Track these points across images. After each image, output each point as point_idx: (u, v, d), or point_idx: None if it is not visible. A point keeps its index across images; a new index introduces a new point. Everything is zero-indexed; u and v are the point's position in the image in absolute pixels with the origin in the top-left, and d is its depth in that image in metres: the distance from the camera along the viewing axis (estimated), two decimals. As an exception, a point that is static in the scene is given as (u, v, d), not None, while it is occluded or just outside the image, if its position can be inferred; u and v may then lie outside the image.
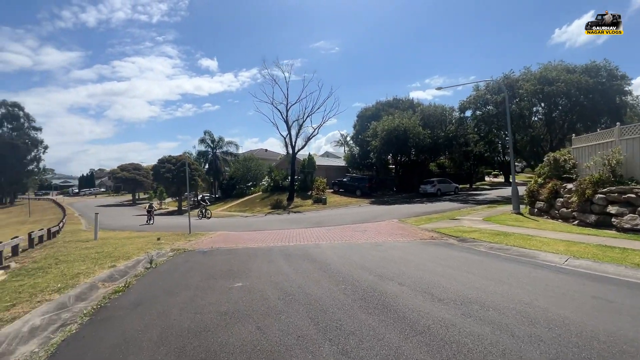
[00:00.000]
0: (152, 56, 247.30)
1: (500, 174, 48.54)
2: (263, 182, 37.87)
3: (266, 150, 57.17)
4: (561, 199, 10.96)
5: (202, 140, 41.17)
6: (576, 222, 9.83)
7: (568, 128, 20.88)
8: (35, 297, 4.59)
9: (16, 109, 61.52)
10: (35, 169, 65.59)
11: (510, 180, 16.58)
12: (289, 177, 34.70)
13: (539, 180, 13.10)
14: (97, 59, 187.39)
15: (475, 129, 23.94)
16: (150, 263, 6.64)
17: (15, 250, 8.99)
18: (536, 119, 23.10)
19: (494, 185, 37.99)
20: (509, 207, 15.80)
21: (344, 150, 63.06)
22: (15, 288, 5.06)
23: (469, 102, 23.87)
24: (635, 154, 9.00)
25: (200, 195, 32.59)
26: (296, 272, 5.64)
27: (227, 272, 5.82)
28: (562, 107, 20.37)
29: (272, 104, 29.87)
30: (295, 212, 22.65)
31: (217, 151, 42.45)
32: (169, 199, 45.64)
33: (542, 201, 12.14)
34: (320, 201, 26.66)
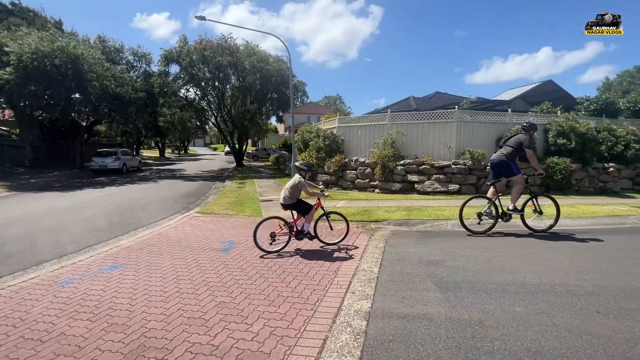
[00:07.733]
0: None
1: (154, 148, 45.12)
2: None
3: None
4: (354, 172, 11.92)
5: None
6: (377, 190, 11.22)
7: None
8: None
9: None
10: None
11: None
12: None
13: (313, 154, 13.36)
14: None
15: (184, 89, 19.20)
16: None
17: None
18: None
19: (157, 160, 34.24)
20: (262, 182, 14.97)
21: None
22: None
23: (177, 52, 18.38)
24: (401, 135, 11.64)
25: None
26: None
27: None
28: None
29: None
30: None
31: None
32: None
33: (329, 174, 12.54)
34: None
